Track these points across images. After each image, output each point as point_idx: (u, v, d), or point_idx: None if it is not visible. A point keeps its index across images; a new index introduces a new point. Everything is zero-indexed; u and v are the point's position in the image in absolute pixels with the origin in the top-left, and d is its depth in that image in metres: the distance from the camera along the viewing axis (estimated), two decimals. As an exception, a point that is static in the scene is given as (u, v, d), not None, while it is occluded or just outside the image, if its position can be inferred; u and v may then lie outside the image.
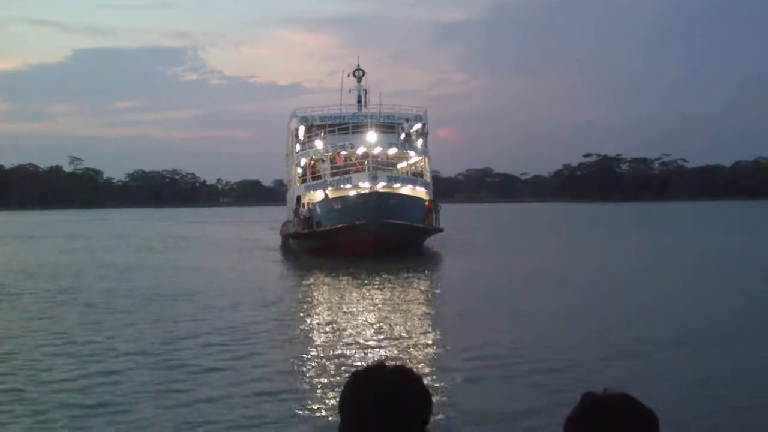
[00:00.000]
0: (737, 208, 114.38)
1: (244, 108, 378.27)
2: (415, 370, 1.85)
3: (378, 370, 1.82)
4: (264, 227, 66.40)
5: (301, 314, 18.76)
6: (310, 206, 37.93)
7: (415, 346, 14.01)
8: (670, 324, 16.21)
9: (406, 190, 37.94)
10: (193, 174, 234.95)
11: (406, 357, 12.86)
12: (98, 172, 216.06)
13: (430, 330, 16.11)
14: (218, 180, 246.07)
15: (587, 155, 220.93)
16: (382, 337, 14.89)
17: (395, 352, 13.37)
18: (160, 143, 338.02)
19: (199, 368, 12.14)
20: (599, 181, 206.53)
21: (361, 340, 14.48)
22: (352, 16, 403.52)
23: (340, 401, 1.80)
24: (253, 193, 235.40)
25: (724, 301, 20.15)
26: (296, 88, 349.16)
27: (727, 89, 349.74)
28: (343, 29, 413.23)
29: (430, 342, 14.57)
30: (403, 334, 15.14)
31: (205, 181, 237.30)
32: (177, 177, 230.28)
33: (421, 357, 13.09)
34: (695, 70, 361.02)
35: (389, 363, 1.86)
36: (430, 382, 10.98)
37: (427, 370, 11.89)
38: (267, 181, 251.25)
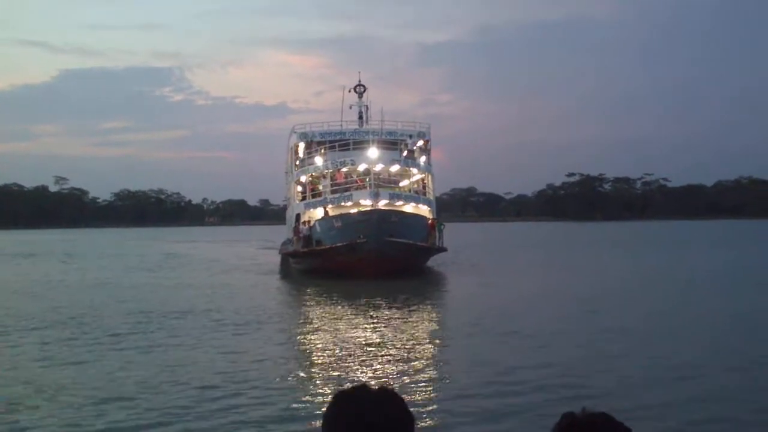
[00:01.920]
0: (719, 226, 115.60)
1: (230, 128, 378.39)
2: (398, 391, 1.84)
3: (360, 391, 1.81)
4: (257, 246, 66.22)
5: (299, 336, 18.39)
6: (310, 224, 37.24)
7: (414, 368, 13.72)
8: (667, 341, 16.27)
9: (409, 207, 36.99)
10: (179, 193, 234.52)
11: (405, 379, 12.67)
12: (84, 192, 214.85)
13: (430, 352, 15.80)
14: (204, 199, 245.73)
15: (570, 175, 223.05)
16: (381, 359, 14.61)
17: (394, 374, 13.14)
18: (145, 163, 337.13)
19: (198, 389, 12.10)
20: (582, 200, 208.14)
21: (360, 363, 14.22)
22: (338, 37, 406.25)
23: (323, 422, 1.79)
24: (239, 213, 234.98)
25: (721, 316, 20.32)
26: (283, 108, 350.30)
27: (709, 111, 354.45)
28: (329, 50, 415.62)
29: (429, 364, 14.27)
30: (403, 356, 14.84)
31: (190, 201, 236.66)
32: (162, 196, 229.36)
33: (419, 379, 12.81)
34: (679, 92, 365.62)
35: (372, 384, 1.85)
36: (427, 404, 10.98)
37: (424, 392, 11.76)
38: (253, 201, 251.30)
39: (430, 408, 10.82)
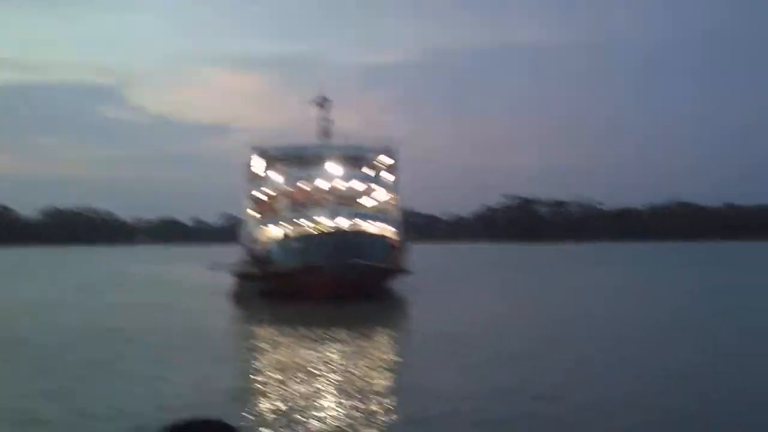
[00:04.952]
0: (651, 249, 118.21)
1: (168, 147, 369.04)
2: (230, 423, 1.79)
3: (193, 426, 1.77)
4: (203, 266, 63.71)
5: (247, 370, 17.11)
6: (266, 244, 35.44)
7: (367, 399, 13.02)
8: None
9: (372, 227, 35.21)
10: (110, 212, 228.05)
11: (355, 412, 12.08)
12: (8, 209, 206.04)
13: (386, 380, 15.10)
14: (137, 219, 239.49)
15: (505, 196, 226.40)
16: (331, 387, 14.03)
17: (345, 405, 12.54)
18: (79, 181, 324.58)
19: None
20: (519, 223, 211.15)
21: (309, 392, 13.62)
22: (281, 57, 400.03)
23: None
24: (173, 232, 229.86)
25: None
26: (224, 128, 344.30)
27: (641, 132, 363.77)
28: (272, 70, 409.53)
29: (384, 394, 13.61)
30: (356, 386, 14.10)
31: (125, 222, 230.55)
32: (93, 215, 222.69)
33: (370, 411, 12.17)
34: (613, 117, 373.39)
35: (201, 417, 1.79)
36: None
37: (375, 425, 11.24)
38: (186, 220, 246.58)
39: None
